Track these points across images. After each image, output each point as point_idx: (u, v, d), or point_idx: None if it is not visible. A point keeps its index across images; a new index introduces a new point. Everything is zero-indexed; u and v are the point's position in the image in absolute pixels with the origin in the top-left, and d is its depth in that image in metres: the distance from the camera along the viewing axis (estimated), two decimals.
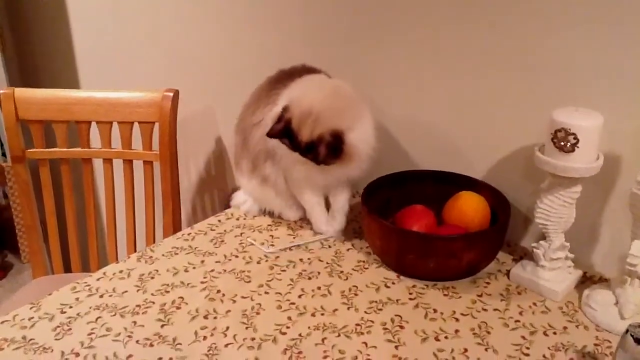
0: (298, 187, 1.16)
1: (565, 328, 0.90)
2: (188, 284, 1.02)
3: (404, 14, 1.17)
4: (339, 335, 0.89)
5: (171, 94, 1.48)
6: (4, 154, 2.14)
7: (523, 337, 0.88)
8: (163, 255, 1.11)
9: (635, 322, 0.73)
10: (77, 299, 0.98)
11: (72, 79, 2.16)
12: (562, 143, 0.89)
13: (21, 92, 1.51)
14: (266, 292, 1.00)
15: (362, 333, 0.89)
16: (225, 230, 1.20)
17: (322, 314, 0.94)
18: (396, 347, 0.87)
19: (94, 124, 1.52)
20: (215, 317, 0.93)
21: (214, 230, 1.20)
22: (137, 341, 0.88)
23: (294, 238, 1.17)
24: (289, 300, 0.98)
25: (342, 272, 1.05)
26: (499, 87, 1.08)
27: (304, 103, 1.04)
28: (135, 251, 1.47)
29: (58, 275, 1.63)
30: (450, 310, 0.95)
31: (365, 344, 0.87)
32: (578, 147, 0.88)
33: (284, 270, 1.06)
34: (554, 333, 0.89)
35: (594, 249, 1.05)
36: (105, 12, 1.90)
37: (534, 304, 0.96)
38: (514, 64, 1.05)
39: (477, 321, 0.92)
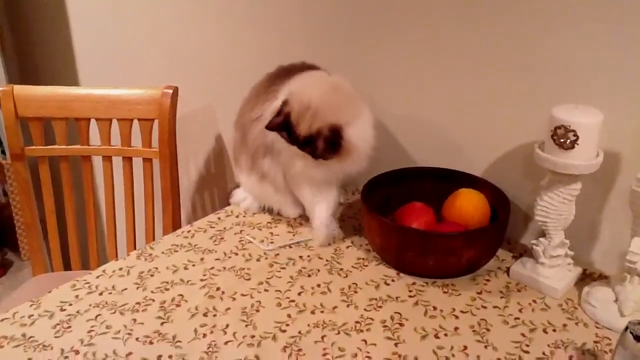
0: (296, 183, 1.16)
1: (565, 325, 0.90)
2: (188, 281, 1.02)
3: (404, 14, 1.17)
4: (338, 333, 0.89)
5: (170, 91, 1.48)
6: (3, 152, 2.14)
7: (523, 335, 0.88)
8: (163, 252, 1.11)
9: (635, 320, 0.73)
10: (76, 296, 0.98)
11: (72, 78, 2.16)
12: (562, 140, 0.89)
13: (20, 90, 1.51)
14: (266, 290, 1.00)
15: (361, 330, 0.89)
16: (224, 228, 1.20)
17: (322, 312, 0.94)
18: (396, 344, 0.87)
19: (93, 121, 1.52)
20: (215, 315, 0.93)
21: (213, 227, 1.20)
22: (136, 339, 0.88)
23: (293, 235, 1.17)
24: (288, 297, 0.98)
25: (341, 269, 1.05)
26: (499, 86, 1.08)
27: (304, 97, 1.04)
28: (135, 249, 1.48)
29: (58, 272, 1.63)
30: (449, 307, 0.95)
31: (365, 341, 0.87)
32: (578, 144, 0.88)
33: (283, 268, 1.06)
34: (554, 330, 0.89)
35: (593, 246, 1.05)
36: (105, 12, 1.90)
37: (534, 301, 0.96)
38: (514, 63, 1.05)
39: (476, 318, 0.92)
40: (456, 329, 0.90)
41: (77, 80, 2.16)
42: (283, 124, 1.05)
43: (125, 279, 1.03)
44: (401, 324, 0.91)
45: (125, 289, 1.00)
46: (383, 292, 0.99)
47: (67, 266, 1.64)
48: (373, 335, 0.88)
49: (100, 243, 1.64)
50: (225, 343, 0.87)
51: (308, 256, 1.10)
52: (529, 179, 1.09)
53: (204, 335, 0.89)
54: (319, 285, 1.01)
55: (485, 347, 0.86)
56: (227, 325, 0.91)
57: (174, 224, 1.56)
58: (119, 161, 1.54)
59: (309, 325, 0.91)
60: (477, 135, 1.15)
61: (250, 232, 1.18)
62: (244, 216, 1.25)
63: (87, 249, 1.61)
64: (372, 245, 1.09)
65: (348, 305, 0.95)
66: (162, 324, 0.91)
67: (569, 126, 0.88)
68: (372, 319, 0.92)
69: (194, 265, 1.07)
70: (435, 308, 0.94)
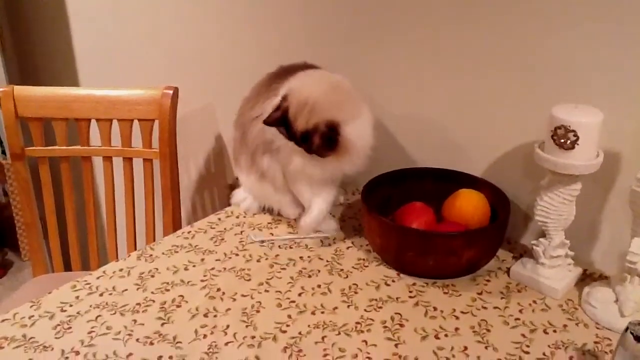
0: (295, 181, 1.16)
1: (565, 326, 0.90)
2: (188, 282, 1.02)
3: (404, 14, 1.17)
4: (339, 334, 0.89)
5: (171, 92, 1.47)
6: (3, 152, 2.14)
7: (523, 335, 0.88)
8: (163, 253, 1.11)
9: (635, 320, 0.73)
10: (77, 297, 0.98)
11: (72, 78, 2.16)
12: (562, 140, 0.89)
13: (20, 90, 1.51)
14: (266, 290, 1.00)
15: (362, 331, 0.90)
16: (225, 229, 1.20)
17: (322, 312, 0.94)
18: (396, 345, 0.87)
19: (93, 122, 1.52)
20: (215, 316, 0.93)
21: (213, 228, 1.20)
22: (137, 339, 0.88)
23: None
24: (289, 298, 0.98)
25: (342, 270, 1.05)
26: (499, 86, 1.08)
27: (303, 93, 1.05)
28: (135, 249, 1.48)
29: (58, 273, 1.63)
30: (450, 308, 0.95)
31: (365, 342, 0.87)
32: (578, 144, 0.88)
33: (284, 269, 1.06)
34: (554, 331, 0.89)
35: (593, 246, 1.05)
36: (105, 12, 1.90)
37: (534, 301, 0.96)
38: (514, 63, 1.05)
39: (477, 319, 0.92)
40: (456, 329, 0.90)
41: (77, 79, 2.16)
42: (281, 119, 1.05)
43: (125, 279, 1.03)
44: (401, 325, 0.91)
45: (126, 289, 1.00)
46: (383, 292, 0.99)
47: (67, 266, 1.64)
48: (373, 336, 0.88)
49: (100, 243, 1.64)
50: (226, 344, 0.87)
51: (308, 257, 1.10)
52: (529, 179, 1.09)
53: (205, 336, 0.89)
54: (319, 286, 1.01)
55: (486, 347, 0.86)
56: (228, 326, 0.91)
57: (174, 224, 1.56)
58: (119, 161, 1.54)
59: (309, 325, 0.91)
60: (477, 135, 1.15)
61: (251, 233, 1.18)
62: (244, 217, 1.25)
63: (87, 250, 1.61)
64: (372, 246, 1.09)
65: (348, 306, 0.95)
66: (162, 324, 0.92)
67: (569, 126, 0.88)
68: (372, 320, 0.92)
69: (194, 266, 1.07)
70: (435, 309, 0.95)
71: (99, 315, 0.93)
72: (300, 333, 0.89)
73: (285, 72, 1.15)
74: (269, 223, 1.22)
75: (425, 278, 1.02)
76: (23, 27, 2.29)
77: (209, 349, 0.86)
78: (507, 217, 1.03)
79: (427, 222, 1.07)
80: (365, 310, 0.94)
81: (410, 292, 0.99)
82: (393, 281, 1.02)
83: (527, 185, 1.09)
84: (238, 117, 1.23)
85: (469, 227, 1.05)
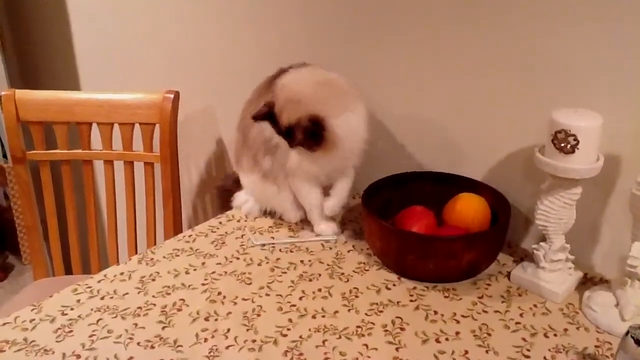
0: (294, 179, 1.16)
1: (565, 330, 0.90)
2: (189, 285, 1.02)
3: (404, 14, 1.17)
4: (339, 337, 0.89)
5: (172, 96, 1.48)
6: (4, 155, 2.15)
7: (524, 339, 0.88)
8: (164, 257, 1.11)
9: (636, 324, 0.73)
10: (78, 300, 0.98)
11: (73, 78, 2.17)
12: (562, 144, 0.89)
13: (22, 94, 1.51)
14: (267, 294, 1.00)
15: (362, 335, 0.90)
16: (226, 232, 1.20)
17: (323, 316, 0.94)
18: (397, 349, 0.87)
19: (94, 126, 1.52)
20: (216, 319, 0.93)
21: (214, 232, 1.20)
22: (138, 343, 0.88)
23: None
24: (289, 302, 0.98)
25: (342, 274, 1.05)
26: (499, 87, 1.08)
27: (289, 89, 1.06)
28: (136, 253, 1.48)
29: (59, 277, 1.63)
30: (450, 312, 0.95)
31: (366, 345, 0.87)
32: (578, 148, 0.88)
33: (284, 272, 1.06)
34: (555, 335, 0.89)
35: (594, 250, 1.05)
36: (106, 12, 1.91)
37: (535, 305, 0.96)
38: (514, 64, 1.05)
39: (477, 323, 0.92)
40: (457, 333, 0.90)
41: (77, 80, 2.16)
42: (267, 114, 1.06)
43: (126, 283, 1.03)
44: (402, 329, 0.91)
45: (127, 293, 1.00)
46: (384, 296, 0.99)
47: (68, 270, 1.64)
48: (374, 340, 0.88)
49: (101, 247, 1.64)
50: (227, 347, 0.87)
51: (309, 260, 1.10)
52: (529, 182, 1.09)
53: (205, 340, 0.89)
54: (320, 290, 1.01)
55: (487, 351, 0.86)
56: (229, 330, 0.91)
57: (175, 227, 1.56)
58: (120, 165, 1.54)
59: (310, 329, 0.91)
60: (478, 138, 1.15)
61: (252, 236, 1.18)
62: (245, 220, 1.25)
63: (88, 253, 1.61)
64: (372, 249, 1.09)
65: (349, 310, 0.95)
66: (163, 328, 0.92)
67: (569, 130, 0.88)
68: (373, 324, 0.92)
69: (195, 270, 1.07)
70: (436, 312, 0.95)
71: (100, 319, 0.94)
72: (301, 337, 0.89)
73: (285, 74, 1.16)
74: (269, 227, 1.22)
75: (426, 282, 1.02)
76: (23, 27, 2.30)
77: (209, 352, 0.86)
78: (508, 221, 1.04)
79: (427, 225, 1.07)
80: (366, 314, 0.94)
81: (411, 296, 0.99)
82: (394, 285, 1.02)
83: (528, 188, 1.09)
84: (240, 120, 1.24)
85: (470, 231, 1.05)
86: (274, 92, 1.07)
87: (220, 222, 1.24)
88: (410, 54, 1.20)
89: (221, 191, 1.51)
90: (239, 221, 1.24)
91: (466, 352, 0.86)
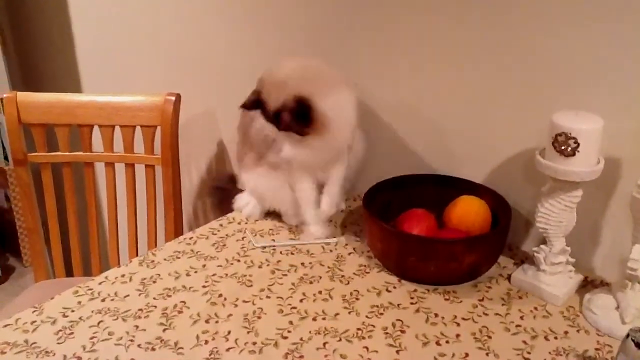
0: (292, 173, 1.16)
1: (566, 332, 0.90)
2: (190, 288, 1.02)
3: (404, 15, 1.18)
4: (340, 340, 0.89)
5: (173, 98, 1.48)
6: (6, 157, 2.15)
7: (524, 342, 0.88)
8: (165, 259, 1.11)
9: (636, 327, 0.73)
10: (79, 302, 0.98)
11: (74, 79, 2.17)
12: (563, 147, 0.89)
13: (24, 96, 1.51)
14: (267, 297, 1.00)
15: (363, 337, 0.90)
16: (227, 235, 1.20)
17: (324, 319, 0.94)
18: (397, 351, 0.87)
19: (96, 128, 1.52)
20: (216, 321, 0.93)
21: (215, 234, 1.20)
22: (139, 345, 0.88)
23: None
24: (290, 304, 0.98)
25: (343, 276, 1.06)
26: (499, 88, 1.08)
27: (274, 74, 1.07)
28: (137, 255, 1.48)
29: (60, 279, 1.63)
30: (451, 314, 0.95)
31: (367, 348, 0.87)
32: (579, 151, 0.88)
33: (285, 275, 1.06)
34: (555, 337, 0.89)
35: (594, 252, 1.05)
36: (107, 14, 1.91)
37: (535, 308, 0.96)
38: (514, 64, 1.05)
39: (478, 325, 0.92)
40: (457, 336, 0.90)
41: (78, 80, 2.16)
42: (255, 102, 1.07)
43: (127, 285, 1.03)
44: (403, 331, 0.91)
45: (128, 295, 1.00)
46: (384, 299, 0.99)
47: (69, 272, 1.64)
48: (374, 342, 0.89)
49: (102, 249, 1.64)
50: (227, 350, 0.87)
51: (310, 263, 1.10)
52: (530, 185, 1.09)
53: (206, 342, 0.89)
54: (320, 292, 1.01)
55: (487, 354, 0.86)
56: (229, 332, 0.91)
57: (176, 230, 1.56)
58: (122, 167, 1.55)
59: (310, 332, 0.91)
60: (478, 140, 1.15)
61: (252, 239, 1.18)
62: (246, 223, 1.25)
63: (89, 255, 1.62)
64: (373, 252, 1.09)
65: (350, 312, 0.95)
66: (164, 330, 0.92)
67: (570, 133, 0.88)
68: (373, 326, 0.92)
69: (196, 272, 1.07)
70: (436, 315, 0.95)
71: (101, 321, 0.94)
72: (301, 339, 0.89)
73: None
74: (270, 229, 1.22)
75: (427, 284, 1.02)
76: (24, 27, 2.30)
77: (210, 354, 0.86)
78: (508, 224, 1.04)
79: (428, 228, 1.07)
80: (366, 316, 0.94)
81: (412, 298, 0.99)
82: (394, 287, 1.02)
83: (528, 191, 1.09)
84: (240, 120, 1.24)
85: (470, 234, 1.05)
86: (261, 80, 1.07)
87: (221, 225, 1.24)
88: (410, 55, 1.20)
89: (215, 189, 1.52)
90: (239, 223, 1.25)
91: (467, 354, 0.86)
